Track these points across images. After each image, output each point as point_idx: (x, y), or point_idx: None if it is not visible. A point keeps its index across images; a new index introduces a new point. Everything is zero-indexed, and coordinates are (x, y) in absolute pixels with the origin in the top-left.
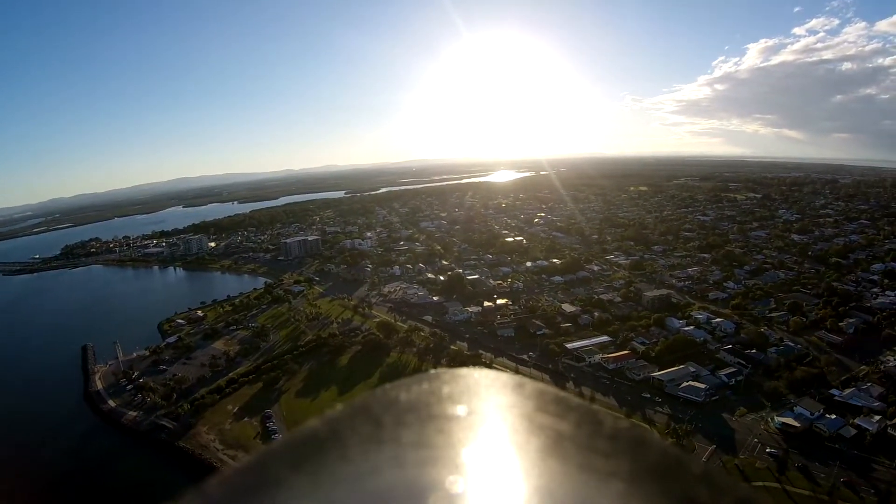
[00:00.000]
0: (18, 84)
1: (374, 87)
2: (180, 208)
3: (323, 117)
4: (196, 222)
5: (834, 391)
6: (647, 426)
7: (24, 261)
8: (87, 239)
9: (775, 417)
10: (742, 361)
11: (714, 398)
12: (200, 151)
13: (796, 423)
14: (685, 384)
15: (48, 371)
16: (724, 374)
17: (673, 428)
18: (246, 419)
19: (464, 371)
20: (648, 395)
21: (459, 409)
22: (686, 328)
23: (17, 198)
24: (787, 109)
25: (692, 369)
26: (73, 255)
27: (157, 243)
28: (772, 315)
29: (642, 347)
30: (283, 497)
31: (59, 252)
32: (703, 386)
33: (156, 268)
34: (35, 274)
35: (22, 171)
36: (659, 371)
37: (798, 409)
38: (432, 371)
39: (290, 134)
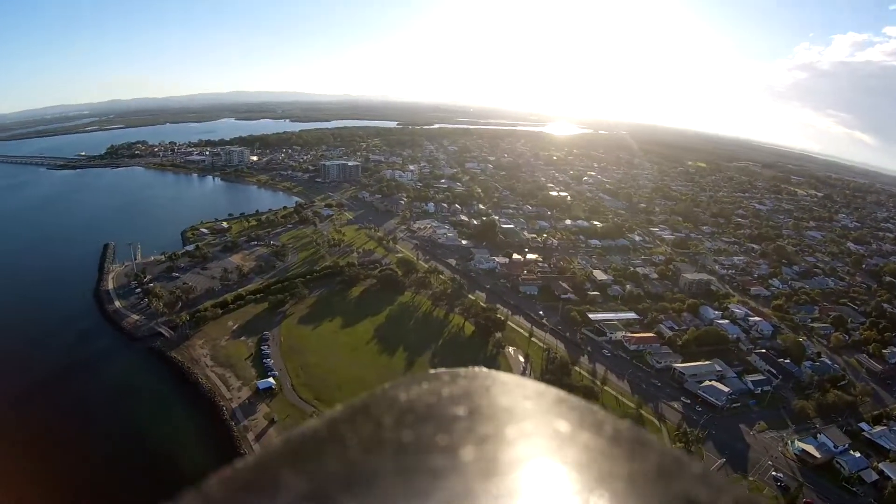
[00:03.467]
0: None
1: (451, 23)
2: (232, 120)
3: (388, 49)
4: (244, 135)
5: (864, 425)
6: (656, 421)
7: (70, 157)
8: (133, 141)
9: (796, 441)
10: (773, 370)
11: (735, 404)
12: (262, 68)
13: (816, 454)
14: (707, 383)
15: (68, 265)
16: (752, 381)
17: (684, 430)
18: (243, 338)
19: (464, 371)
20: (664, 386)
21: (459, 410)
22: (721, 321)
23: (77, 96)
24: (865, 111)
25: (718, 368)
26: (117, 156)
27: (200, 152)
28: (813, 325)
29: (670, 333)
30: (284, 497)
31: (104, 151)
32: (726, 389)
33: (195, 175)
34: (78, 170)
35: (85, 71)
36: (682, 363)
37: (821, 438)
38: (432, 371)
39: (352, 61)
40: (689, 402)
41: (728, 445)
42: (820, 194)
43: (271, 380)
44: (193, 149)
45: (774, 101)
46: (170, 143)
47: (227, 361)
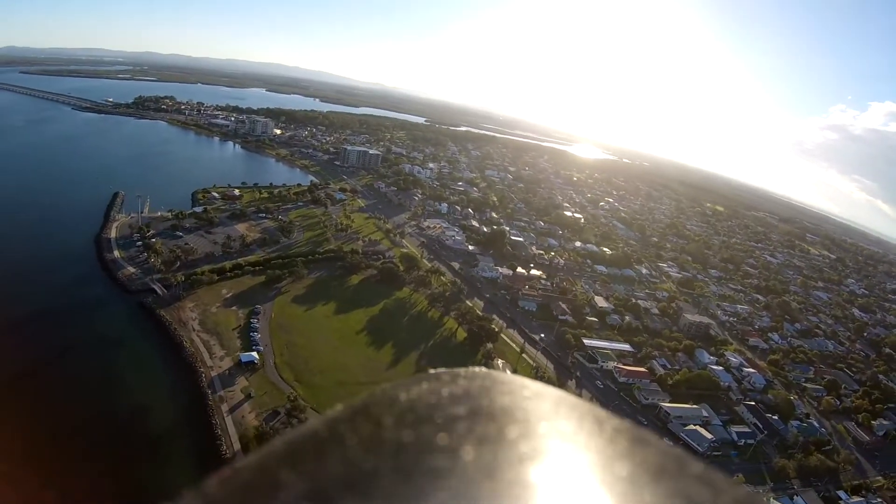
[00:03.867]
0: None
1: (492, 30)
2: (263, 91)
3: (426, 46)
4: (272, 107)
5: (842, 494)
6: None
7: (96, 101)
8: (162, 95)
9: (772, 501)
10: (759, 424)
11: (717, 453)
12: (301, 44)
13: None
14: (692, 427)
15: (75, 207)
16: (736, 431)
17: None
18: (234, 308)
19: (464, 371)
20: (648, 424)
21: (459, 410)
22: (715, 367)
23: (114, 43)
24: (891, 181)
25: (705, 413)
26: (143, 107)
27: (226, 116)
28: (806, 385)
29: (662, 371)
30: (284, 497)
31: (131, 101)
32: (709, 436)
33: (216, 138)
34: (102, 115)
35: (125, 19)
36: (670, 402)
37: (797, 501)
38: (432, 371)
39: (390, 51)
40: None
41: None
42: (833, 256)
43: (255, 354)
44: (220, 112)
45: (801, 157)
46: (197, 102)
47: (215, 329)
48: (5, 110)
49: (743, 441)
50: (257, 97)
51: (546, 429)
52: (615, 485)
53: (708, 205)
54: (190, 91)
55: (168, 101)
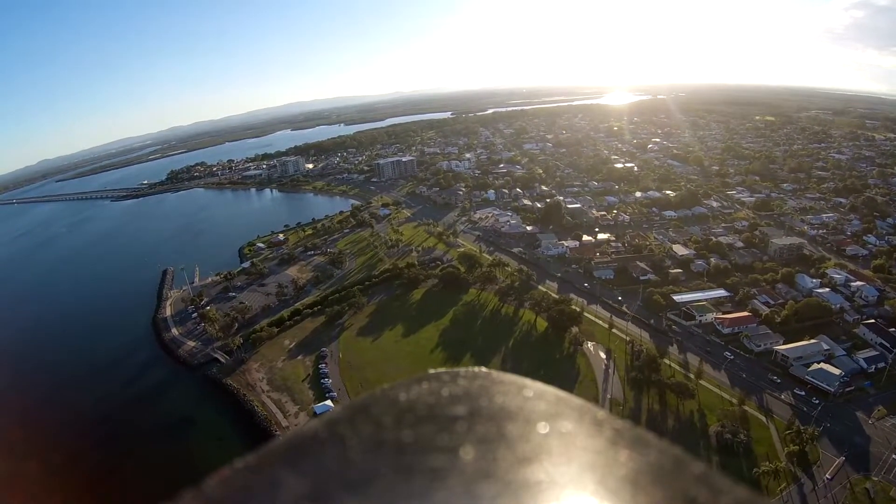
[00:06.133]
0: (144, 17)
1: (494, 8)
2: (289, 131)
3: (435, 40)
4: (299, 144)
5: None
6: (762, 418)
7: (132, 187)
8: (192, 164)
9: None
10: (886, 343)
11: (849, 388)
12: (315, 77)
13: None
14: (816, 366)
15: (129, 296)
16: (864, 358)
17: (797, 429)
18: (300, 357)
19: (464, 371)
20: (766, 373)
21: (459, 410)
22: (820, 290)
23: (140, 129)
24: None
25: (825, 346)
26: (177, 180)
27: (257, 166)
28: None
29: (766, 309)
30: (284, 497)
31: (165, 177)
32: (837, 372)
33: (253, 190)
34: (140, 199)
35: (144, 105)
36: (784, 344)
37: None
38: (432, 371)
39: (402, 58)
40: (801, 392)
41: (846, 440)
42: None
43: (329, 402)
44: (251, 164)
45: (835, 44)
46: (227, 161)
47: (284, 384)
48: (47, 222)
49: (873, 367)
50: (284, 139)
51: (546, 429)
52: (615, 485)
53: (757, 118)
54: (219, 152)
55: (199, 167)
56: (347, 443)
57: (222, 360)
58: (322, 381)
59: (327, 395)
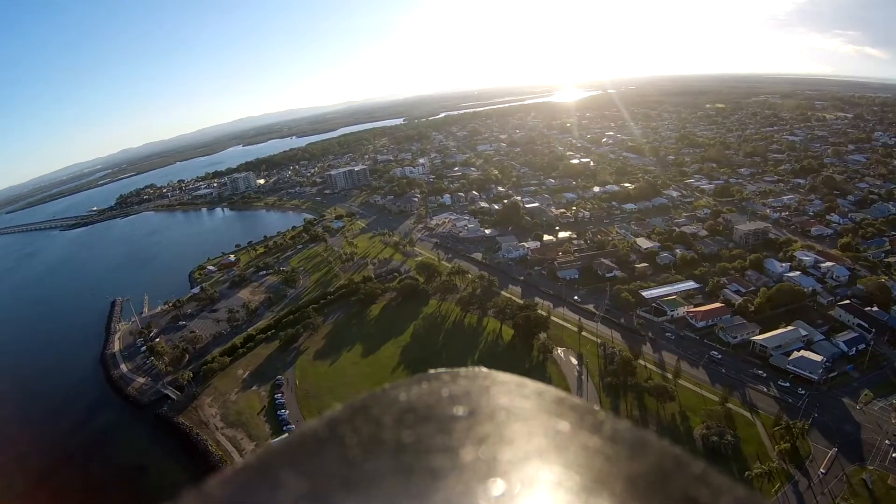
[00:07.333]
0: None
1: (442, 14)
2: (240, 147)
3: (385, 47)
4: (251, 160)
5: None
6: (748, 415)
7: (81, 214)
8: (142, 187)
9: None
10: (863, 323)
11: (832, 374)
12: (264, 91)
13: None
14: (796, 354)
15: (76, 330)
16: (843, 341)
17: (786, 425)
18: (255, 387)
19: (463, 371)
20: (746, 365)
21: (459, 410)
22: (790, 274)
23: (90, 153)
24: (872, 25)
25: (803, 332)
26: (126, 204)
27: (207, 184)
28: (889, 260)
29: (738, 299)
30: (283, 497)
31: (114, 203)
32: (819, 358)
33: (203, 210)
34: (89, 226)
35: (92, 126)
36: (761, 333)
37: None
38: (431, 371)
39: (352, 67)
40: (785, 384)
41: (836, 428)
42: (850, 115)
43: (286, 436)
44: (201, 183)
45: (778, 30)
46: (178, 181)
47: (239, 419)
48: None
49: (854, 349)
50: (236, 155)
51: (545, 429)
52: (615, 485)
53: (708, 106)
54: (170, 172)
55: (149, 189)
56: (347, 443)
57: (173, 396)
58: (279, 412)
59: (285, 427)
